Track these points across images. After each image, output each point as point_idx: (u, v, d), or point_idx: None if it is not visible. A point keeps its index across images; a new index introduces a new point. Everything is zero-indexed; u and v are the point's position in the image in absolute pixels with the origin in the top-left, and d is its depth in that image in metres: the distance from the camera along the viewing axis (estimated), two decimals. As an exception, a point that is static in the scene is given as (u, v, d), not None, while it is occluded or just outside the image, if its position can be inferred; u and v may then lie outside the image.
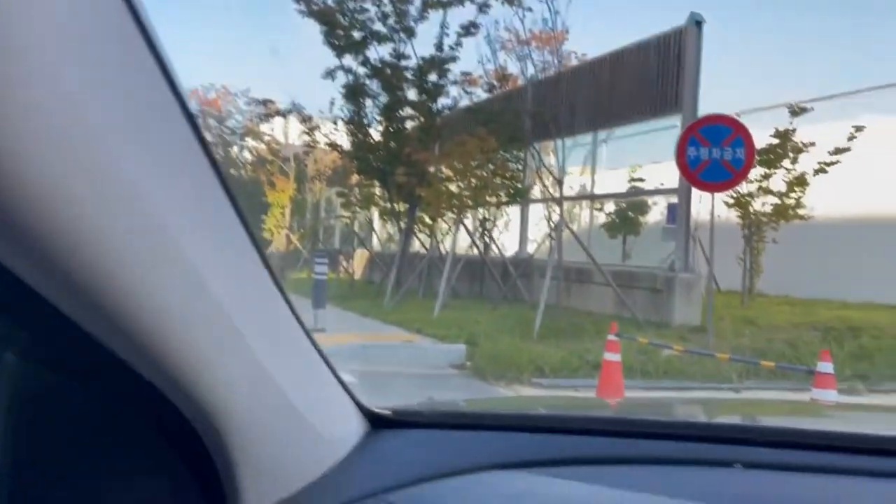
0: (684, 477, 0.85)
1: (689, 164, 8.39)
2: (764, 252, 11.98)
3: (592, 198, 13.50)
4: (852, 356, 7.99)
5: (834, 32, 32.45)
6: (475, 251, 13.70)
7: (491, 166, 12.62)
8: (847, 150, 11.16)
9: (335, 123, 15.51)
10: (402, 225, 15.14)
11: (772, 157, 11.06)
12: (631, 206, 12.85)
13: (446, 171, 12.91)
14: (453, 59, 13.68)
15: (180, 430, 0.63)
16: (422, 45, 13.58)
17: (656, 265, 10.74)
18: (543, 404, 1.76)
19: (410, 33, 13.49)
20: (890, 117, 13.50)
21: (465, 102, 14.42)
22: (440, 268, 12.31)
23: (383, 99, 14.19)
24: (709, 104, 10.62)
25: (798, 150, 11.11)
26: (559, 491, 0.80)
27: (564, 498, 0.80)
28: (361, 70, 13.91)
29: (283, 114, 16.41)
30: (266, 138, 27.55)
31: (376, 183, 16.27)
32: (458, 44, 13.44)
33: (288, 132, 34.21)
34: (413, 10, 13.29)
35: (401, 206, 15.06)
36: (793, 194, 11.20)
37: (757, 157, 9.50)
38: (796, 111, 11.27)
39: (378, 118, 14.55)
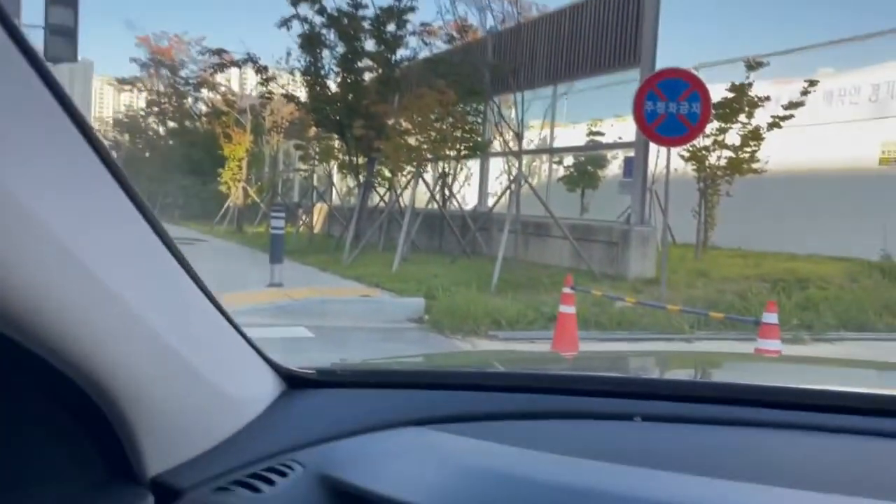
0: (585, 430, 0.87)
1: (647, 118, 8.42)
2: (718, 205, 12.18)
3: (551, 151, 13.50)
4: (799, 306, 8.24)
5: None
6: (435, 205, 13.66)
7: (450, 119, 12.52)
8: (801, 104, 11.33)
9: (292, 74, 15.20)
10: (361, 179, 15.01)
11: (727, 112, 11.15)
12: (589, 159, 12.89)
13: (405, 125, 12.76)
14: (412, 9, 13.45)
15: (81, 403, 0.64)
16: (380, -6, 13.33)
17: (613, 219, 10.86)
18: (499, 359, 1.79)
19: (368, -20, 13.22)
20: (843, 73, 13.73)
21: (424, 54, 14.23)
22: (399, 222, 12.26)
23: (340, 49, 13.92)
24: (667, 58, 10.60)
25: (754, 105, 11.22)
26: (462, 446, 0.82)
27: (467, 452, 0.81)
28: (318, 19, 13.61)
29: (238, 64, 16.00)
30: (221, 89, 26.84)
31: (335, 136, 16.04)
32: (418, -8, 13.23)
33: (244, 83, 33.38)
34: (371, -44, 13.00)
35: (360, 160, 14.91)
36: (747, 148, 11.35)
37: (713, 112, 9.57)
38: (753, 65, 11.34)
39: (335, 69, 14.28)
